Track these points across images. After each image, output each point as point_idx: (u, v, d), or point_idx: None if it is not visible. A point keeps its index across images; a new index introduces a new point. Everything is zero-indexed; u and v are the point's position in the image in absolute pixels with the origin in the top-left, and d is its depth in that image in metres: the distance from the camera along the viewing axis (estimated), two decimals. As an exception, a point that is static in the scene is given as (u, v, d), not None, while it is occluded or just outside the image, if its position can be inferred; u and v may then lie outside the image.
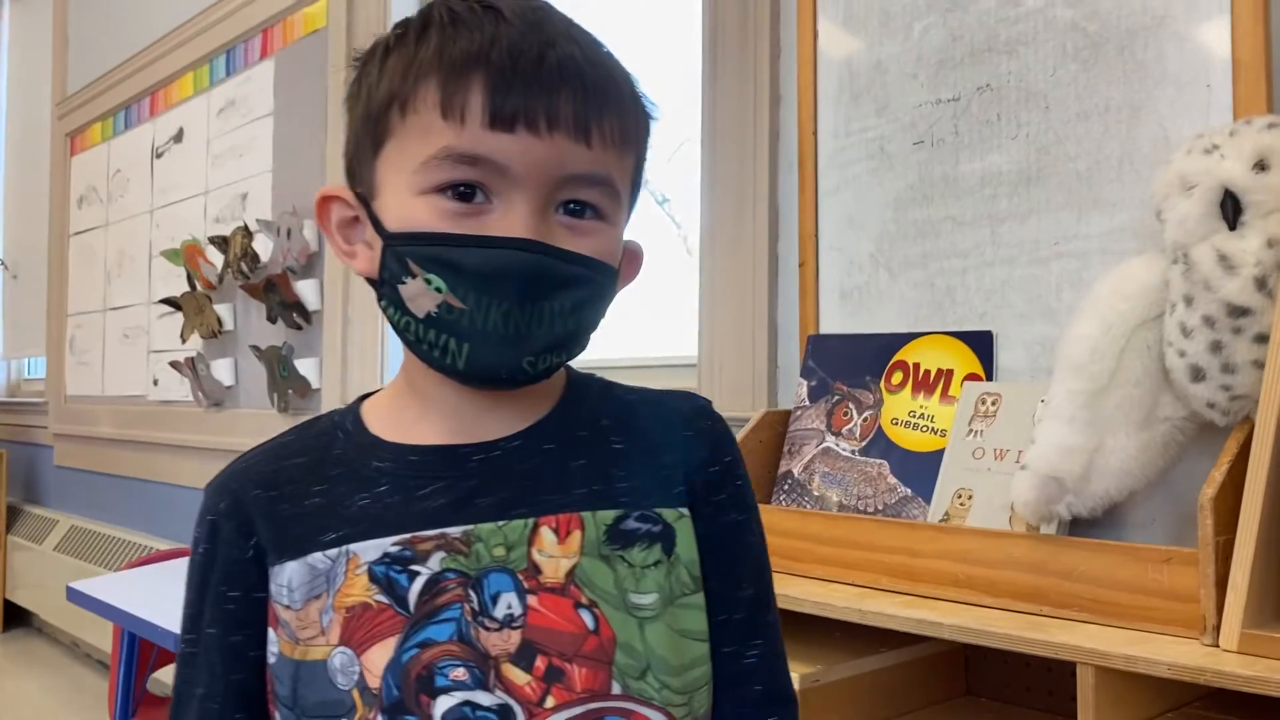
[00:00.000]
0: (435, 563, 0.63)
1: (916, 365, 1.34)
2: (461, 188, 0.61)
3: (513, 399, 0.67)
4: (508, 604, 0.63)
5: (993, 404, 1.23)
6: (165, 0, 3.59)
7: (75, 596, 1.98)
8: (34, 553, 4.07)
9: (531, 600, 0.63)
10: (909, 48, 1.42)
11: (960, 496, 1.20)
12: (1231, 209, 0.97)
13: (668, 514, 0.67)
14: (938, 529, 1.16)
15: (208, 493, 0.70)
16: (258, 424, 3.01)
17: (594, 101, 0.62)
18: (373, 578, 0.63)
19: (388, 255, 0.63)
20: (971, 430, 1.23)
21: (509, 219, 0.61)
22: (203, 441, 3.25)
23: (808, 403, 1.43)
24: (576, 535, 0.65)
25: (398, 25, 0.65)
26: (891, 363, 1.37)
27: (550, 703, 0.62)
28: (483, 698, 0.61)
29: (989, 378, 1.28)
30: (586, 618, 0.63)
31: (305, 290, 2.79)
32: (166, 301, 3.32)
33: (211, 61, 3.38)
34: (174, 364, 3.29)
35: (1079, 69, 1.24)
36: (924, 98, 1.39)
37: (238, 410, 3.13)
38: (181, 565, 2.30)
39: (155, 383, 3.54)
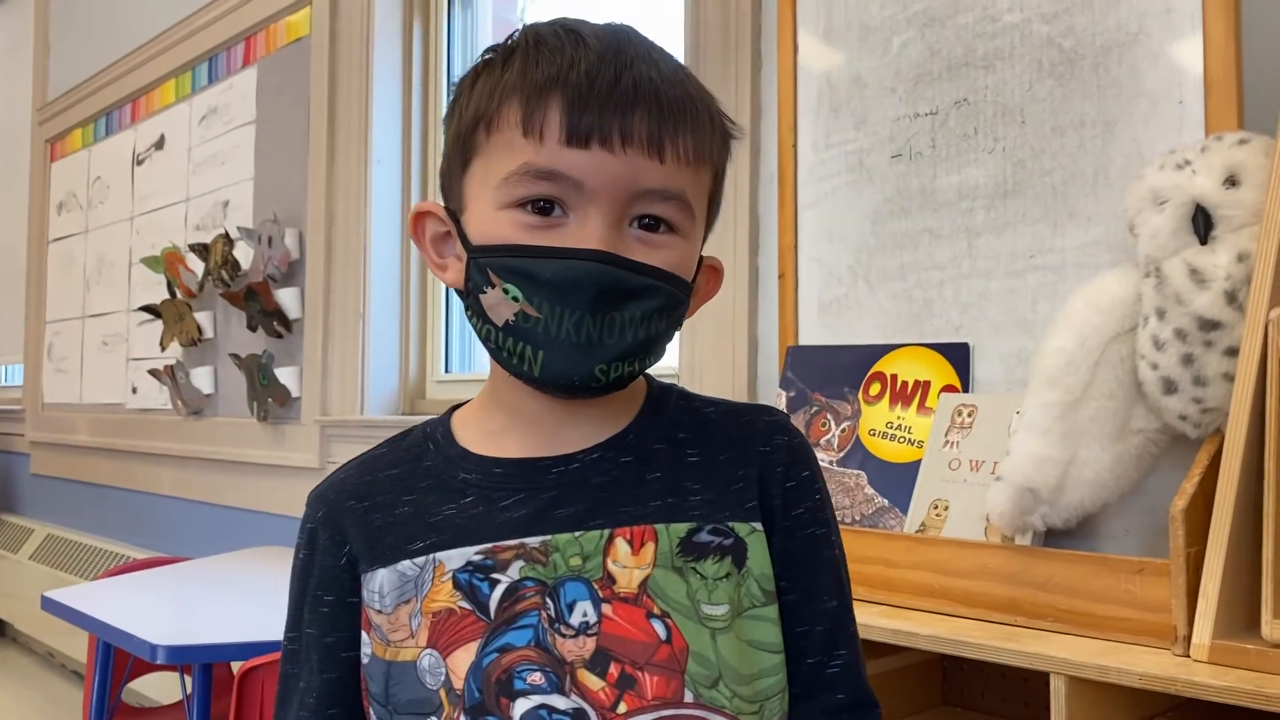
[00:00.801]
0: (514, 571, 0.66)
1: (894, 377, 1.35)
2: (540, 202, 0.64)
3: (592, 410, 0.70)
4: (583, 612, 0.66)
5: (969, 415, 1.24)
6: (148, 7, 3.58)
7: (50, 606, 1.96)
8: (9, 561, 4.04)
9: (606, 609, 0.66)
10: (888, 62, 1.43)
11: (937, 507, 1.21)
12: (1203, 224, 0.99)
13: (740, 528, 0.69)
14: (914, 540, 1.16)
15: (309, 502, 0.74)
16: (237, 433, 2.99)
17: (668, 120, 0.64)
18: (456, 585, 0.67)
19: (471, 267, 0.66)
20: (948, 441, 1.24)
21: (583, 231, 0.63)
22: (181, 450, 3.24)
23: (786, 413, 1.44)
24: (650, 547, 0.67)
25: (487, 50, 0.69)
26: (869, 374, 1.38)
27: (623, 708, 0.64)
28: (559, 701, 0.64)
29: (965, 389, 1.29)
30: (659, 627, 0.66)
31: (286, 298, 2.79)
32: (146, 309, 3.31)
33: (194, 69, 3.37)
34: (153, 372, 3.27)
35: (1054, 84, 1.25)
36: (902, 111, 1.41)
37: (217, 419, 3.12)
38: (158, 574, 2.27)
39: (134, 390, 3.52)
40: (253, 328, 2.87)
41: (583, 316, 0.63)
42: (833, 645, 0.71)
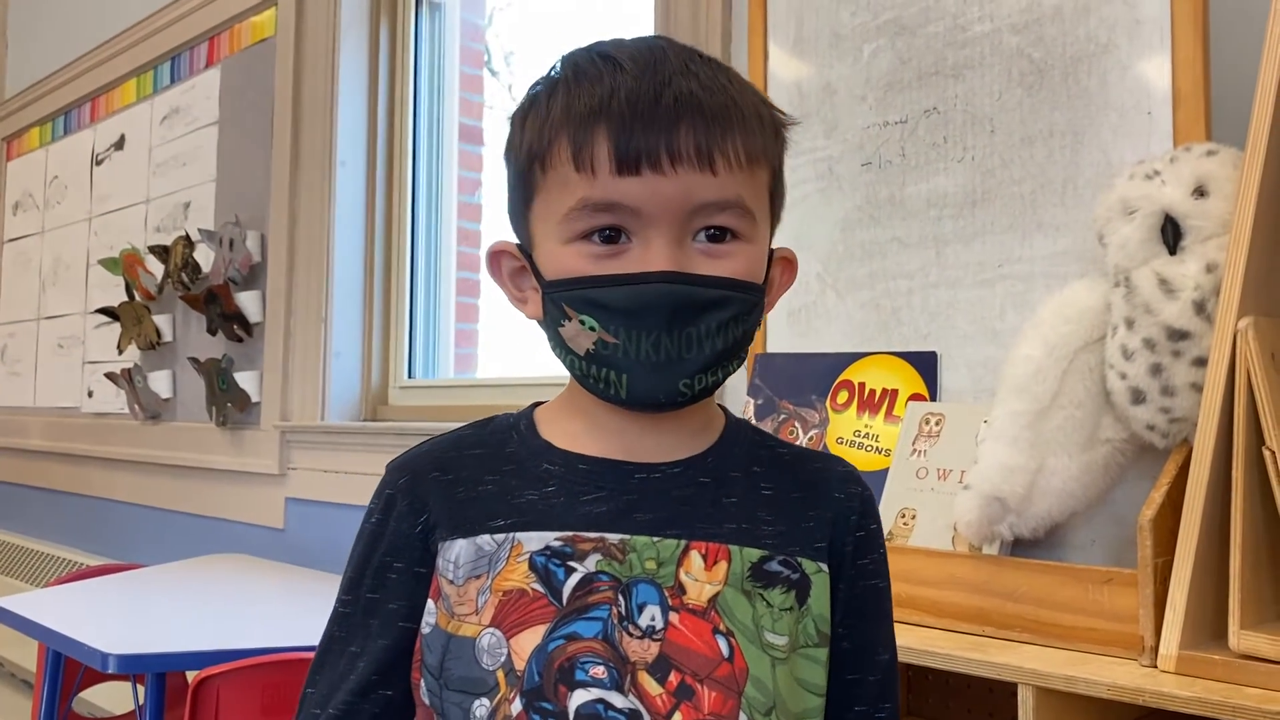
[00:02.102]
0: (591, 563, 0.67)
1: (862, 385, 1.35)
2: (604, 231, 0.66)
3: (670, 423, 0.71)
4: (651, 615, 0.67)
5: (936, 424, 1.24)
6: (109, 5, 3.53)
7: (-2, 613, 1.91)
8: (-42, 568, 3.95)
9: (673, 617, 0.67)
10: (858, 70, 1.43)
11: (904, 516, 1.21)
12: (1172, 234, 0.99)
13: (807, 565, 0.71)
14: (881, 549, 1.16)
15: (389, 469, 0.75)
16: (195, 438, 2.94)
17: (715, 129, 0.65)
18: (532, 566, 0.68)
19: (546, 302, 0.69)
20: (915, 450, 1.24)
21: (648, 255, 0.65)
22: (138, 455, 3.18)
23: (754, 421, 1.43)
24: (723, 565, 0.68)
25: (534, 84, 0.71)
26: (837, 382, 1.37)
27: (678, 718, 0.65)
28: (616, 699, 0.65)
29: (933, 398, 1.29)
30: (722, 644, 0.67)
31: (247, 302, 2.75)
32: (104, 311, 3.25)
33: (156, 68, 3.33)
34: (110, 375, 3.22)
35: (1024, 94, 1.26)
36: (872, 120, 1.40)
37: (175, 423, 3.07)
38: (111, 582, 2.23)
39: (90, 394, 3.45)
40: (213, 331, 2.82)
41: (659, 337, 0.65)
42: (881, 698, 0.73)
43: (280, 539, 2.67)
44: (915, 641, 1.01)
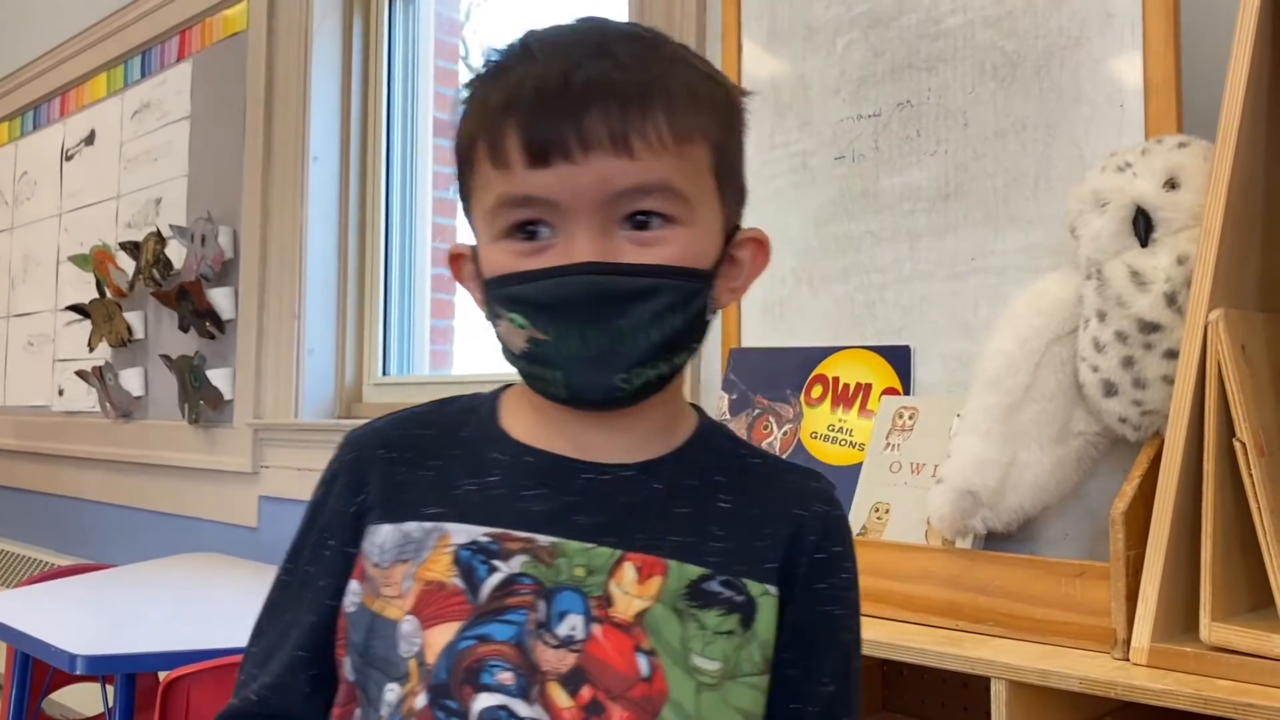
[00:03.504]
0: (516, 564, 0.65)
1: (836, 379, 1.34)
2: (526, 226, 0.64)
3: (627, 422, 0.68)
4: (572, 625, 0.64)
5: (910, 418, 1.23)
6: (78, -2, 3.49)
7: (-35, 614, 1.88)
8: (-73, 569, 3.90)
9: (595, 629, 0.64)
10: (832, 63, 1.42)
11: (878, 510, 1.20)
12: (1143, 226, 0.99)
13: (753, 587, 0.67)
14: (855, 543, 1.15)
15: (343, 442, 0.74)
16: (167, 436, 2.91)
17: (631, 111, 0.62)
18: (456, 560, 0.65)
19: (484, 303, 0.68)
20: (889, 444, 1.23)
21: (571, 246, 0.63)
22: (110, 454, 3.15)
23: (729, 416, 1.42)
24: (657, 580, 0.65)
25: (465, 85, 0.69)
26: (811, 376, 1.36)
27: None
28: (521, 708, 0.62)
29: (906, 392, 1.28)
30: (643, 663, 0.63)
31: (219, 298, 2.72)
32: (74, 308, 3.21)
33: (126, 62, 3.29)
34: (80, 373, 3.18)
35: (997, 87, 1.25)
36: (846, 113, 1.40)
37: (147, 421, 3.04)
38: (81, 582, 2.20)
39: (60, 393, 3.41)
40: (184, 328, 2.79)
41: (585, 330, 0.62)
42: None
43: (253, 538, 2.64)
44: (889, 636, 1.01)
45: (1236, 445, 0.87)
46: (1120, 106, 1.15)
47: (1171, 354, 0.96)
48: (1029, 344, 1.06)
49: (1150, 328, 0.97)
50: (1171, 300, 0.96)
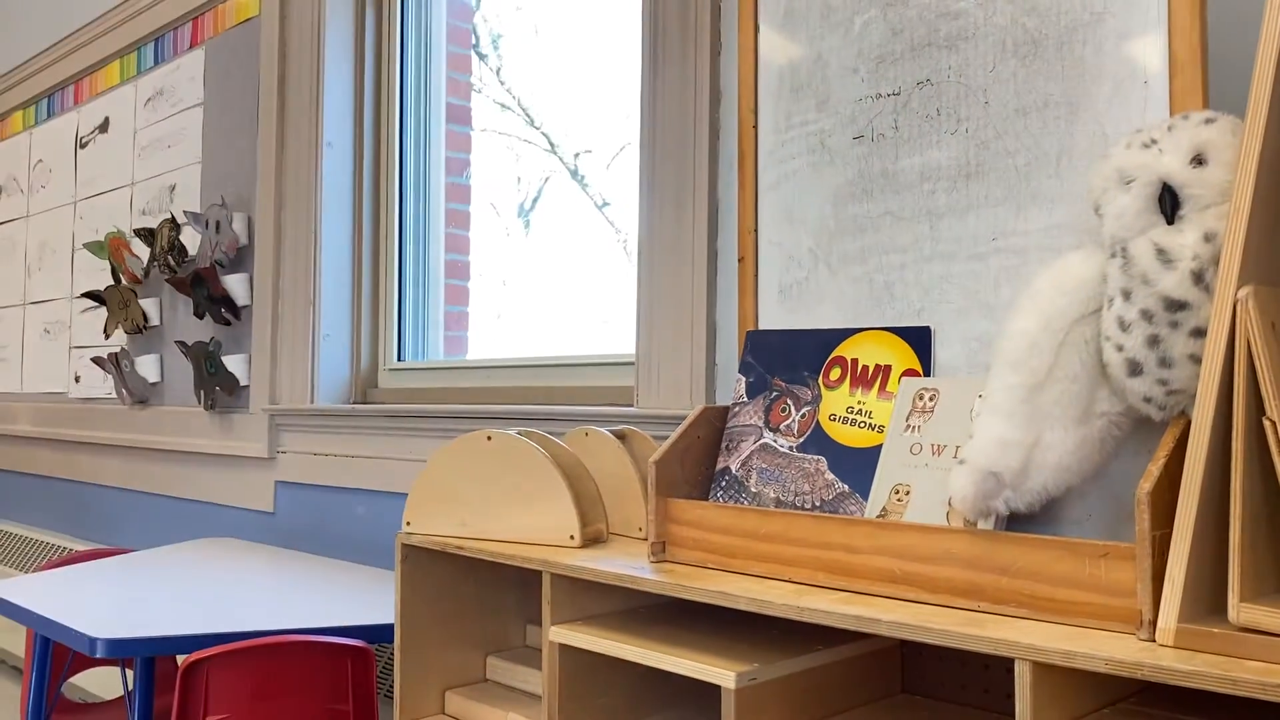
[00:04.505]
0: None
1: (855, 361, 1.33)
2: None
3: None
4: None
5: (930, 400, 1.22)
6: (91, -15, 3.49)
7: (-15, 599, 1.89)
8: (-53, 555, 3.92)
9: None
10: (850, 41, 1.41)
11: (898, 492, 1.19)
12: (1169, 203, 0.97)
13: None
14: (875, 525, 1.14)
15: None
16: (183, 422, 2.92)
17: None
18: None
19: None
20: (909, 426, 1.22)
21: None
22: (126, 440, 3.16)
23: (746, 399, 1.41)
24: None
25: None
26: (830, 359, 1.35)
27: None
28: None
29: (927, 373, 1.27)
30: None
31: (234, 285, 2.72)
32: (89, 295, 3.22)
33: (139, 50, 3.29)
34: (96, 360, 3.19)
35: (1018, 65, 1.24)
36: (864, 92, 1.38)
37: (162, 408, 3.04)
38: (99, 567, 2.21)
39: (77, 379, 3.43)
40: (200, 315, 2.80)
41: None
42: None
43: (270, 522, 2.65)
44: (910, 617, 1.00)
45: (1266, 424, 0.86)
46: (1144, 83, 1.13)
47: (1198, 332, 0.95)
48: (1052, 324, 1.04)
49: (1177, 306, 0.96)
50: (1199, 278, 0.95)
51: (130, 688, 1.95)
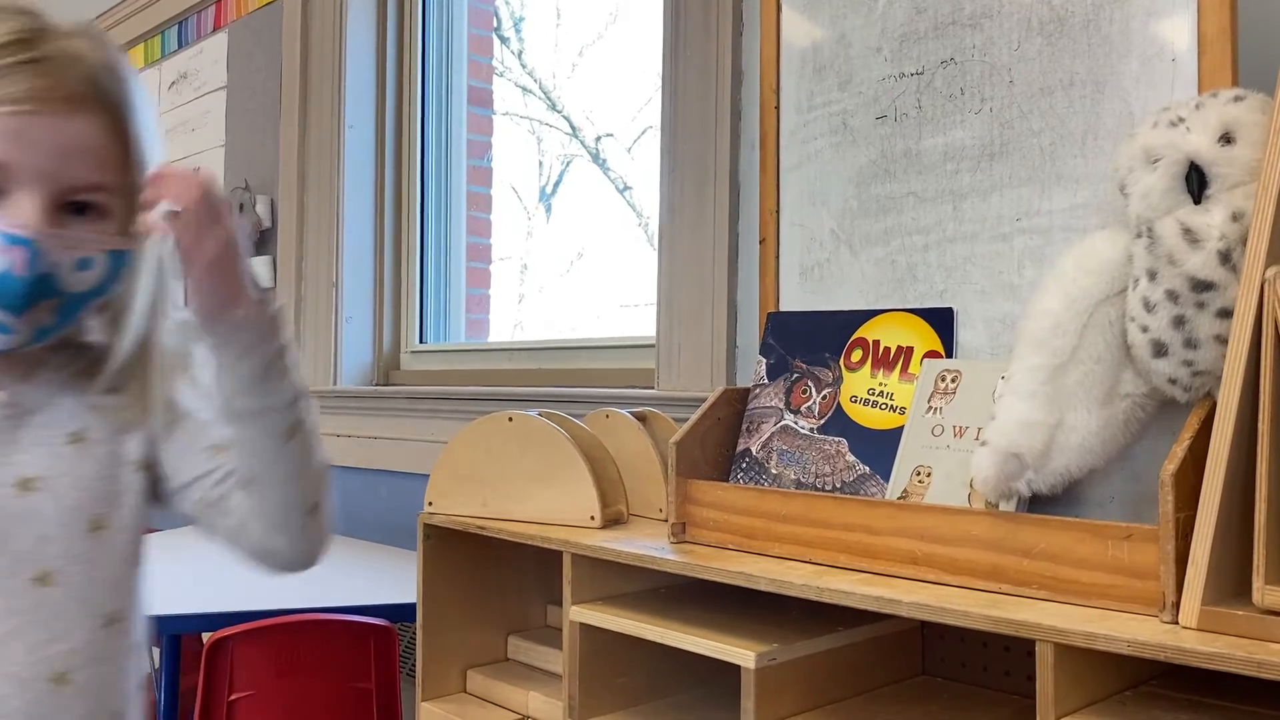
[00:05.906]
0: None
1: (876, 343, 1.33)
2: None
3: None
4: None
5: (952, 381, 1.22)
6: (115, -31, 3.50)
7: None
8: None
9: None
10: (873, 20, 1.39)
11: (919, 474, 1.19)
12: (1197, 182, 0.96)
13: None
14: (896, 506, 1.14)
15: None
16: (208, 404, 2.94)
17: None
18: None
19: None
20: (931, 408, 1.22)
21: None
22: (151, 422, 3.18)
23: (766, 380, 1.41)
24: None
25: None
26: (851, 340, 1.35)
27: None
28: None
29: (949, 355, 1.27)
30: None
31: (257, 267, 2.74)
32: (114, 278, 3.25)
33: (163, 33, 3.31)
34: (122, 342, 3.22)
35: (1043, 43, 1.22)
36: (887, 71, 1.37)
37: (187, 390, 3.07)
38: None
39: (103, 361, 3.46)
40: (223, 297, 2.82)
41: None
42: None
43: (293, 504, 2.67)
44: (930, 599, 1.00)
45: (1292, 405, 0.85)
46: (1172, 61, 1.12)
47: (1225, 313, 0.94)
48: (1076, 304, 1.04)
49: (1203, 286, 0.95)
50: (1225, 258, 0.94)
51: (156, 665, 1.97)
